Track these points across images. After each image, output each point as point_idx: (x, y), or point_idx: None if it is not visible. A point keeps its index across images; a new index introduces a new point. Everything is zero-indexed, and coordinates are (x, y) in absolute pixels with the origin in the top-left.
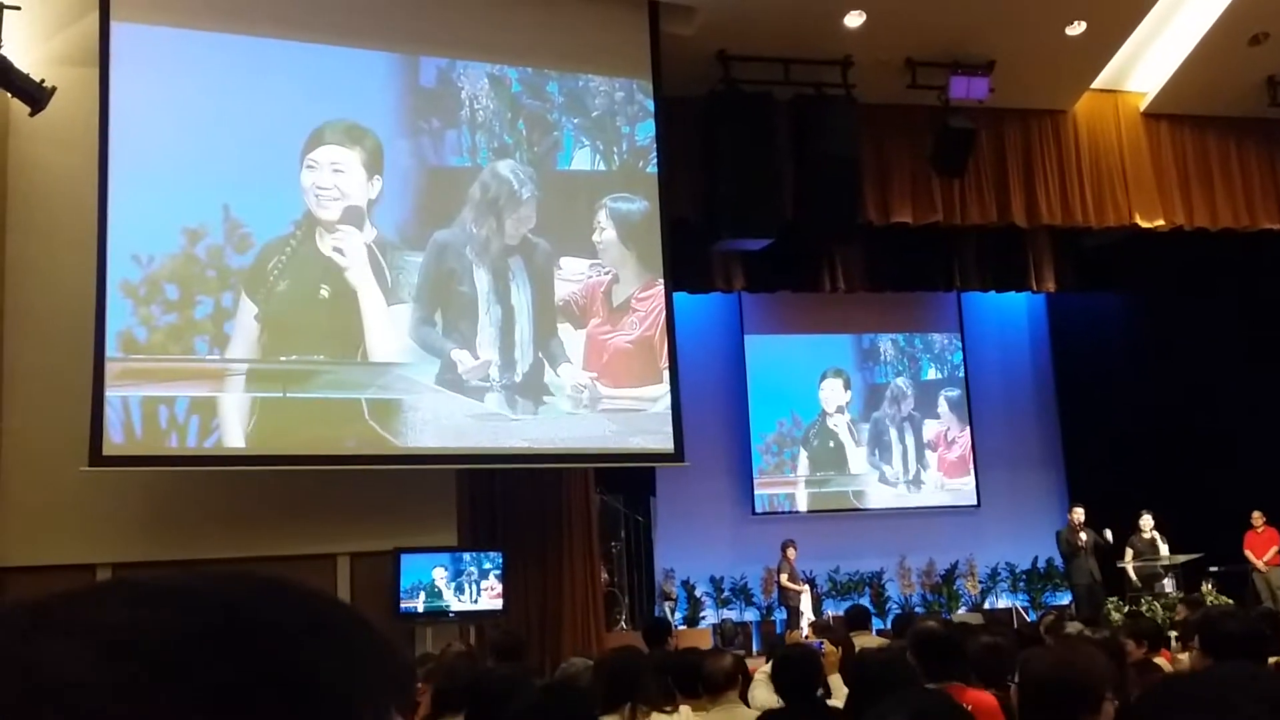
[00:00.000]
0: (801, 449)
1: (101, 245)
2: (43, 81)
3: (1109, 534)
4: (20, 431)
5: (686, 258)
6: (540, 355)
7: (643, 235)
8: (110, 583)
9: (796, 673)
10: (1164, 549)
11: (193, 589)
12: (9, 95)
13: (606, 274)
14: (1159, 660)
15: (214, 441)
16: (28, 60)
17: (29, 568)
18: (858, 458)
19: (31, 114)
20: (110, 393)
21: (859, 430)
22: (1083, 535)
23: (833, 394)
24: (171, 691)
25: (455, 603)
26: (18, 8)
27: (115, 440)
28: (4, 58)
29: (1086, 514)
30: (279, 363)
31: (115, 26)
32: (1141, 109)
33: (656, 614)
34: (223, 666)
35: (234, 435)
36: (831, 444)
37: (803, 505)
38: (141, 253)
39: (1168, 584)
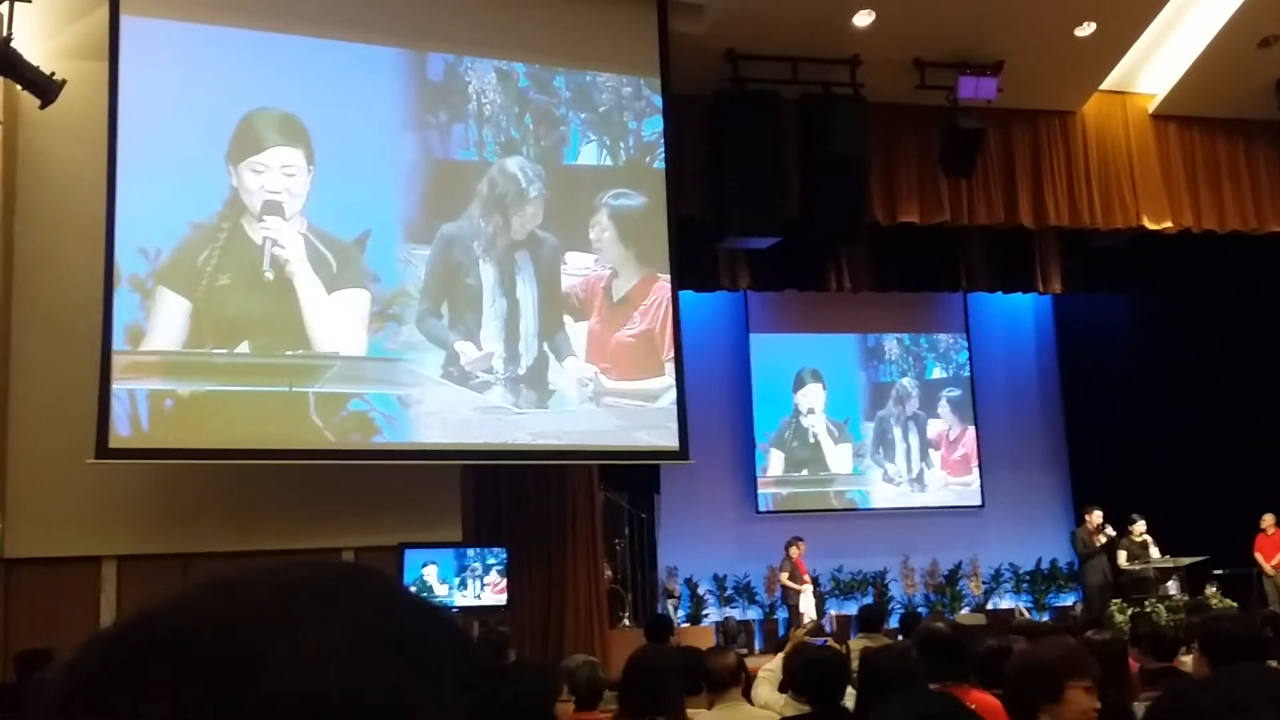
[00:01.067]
0: (774, 449)
1: (109, 238)
2: (53, 74)
3: (1110, 530)
4: (28, 424)
5: (692, 256)
6: (545, 349)
7: (642, 231)
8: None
9: (823, 676)
10: (1155, 552)
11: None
12: (19, 88)
13: (607, 269)
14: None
15: (219, 435)
16: (38, 53)
17: (36, 559)
18: (838, 457)
19: (41, 107)
20: (117, 385)
21: (861, 429)
22: (1101, 538)
23: (811, 394)
24: (466, 692)
25: (458, 597)
26: (29, 0)
27: (122, 433)
28: (14, 51)
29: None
30: (286, 357)
31: (125, 20)
32: (1150, 110)
33: (660, 611)
34: (486, 673)
35: (239, 429)
36: (812, 442)
37: (786, 505)
38: (149, 246)
39: (1172, 586)
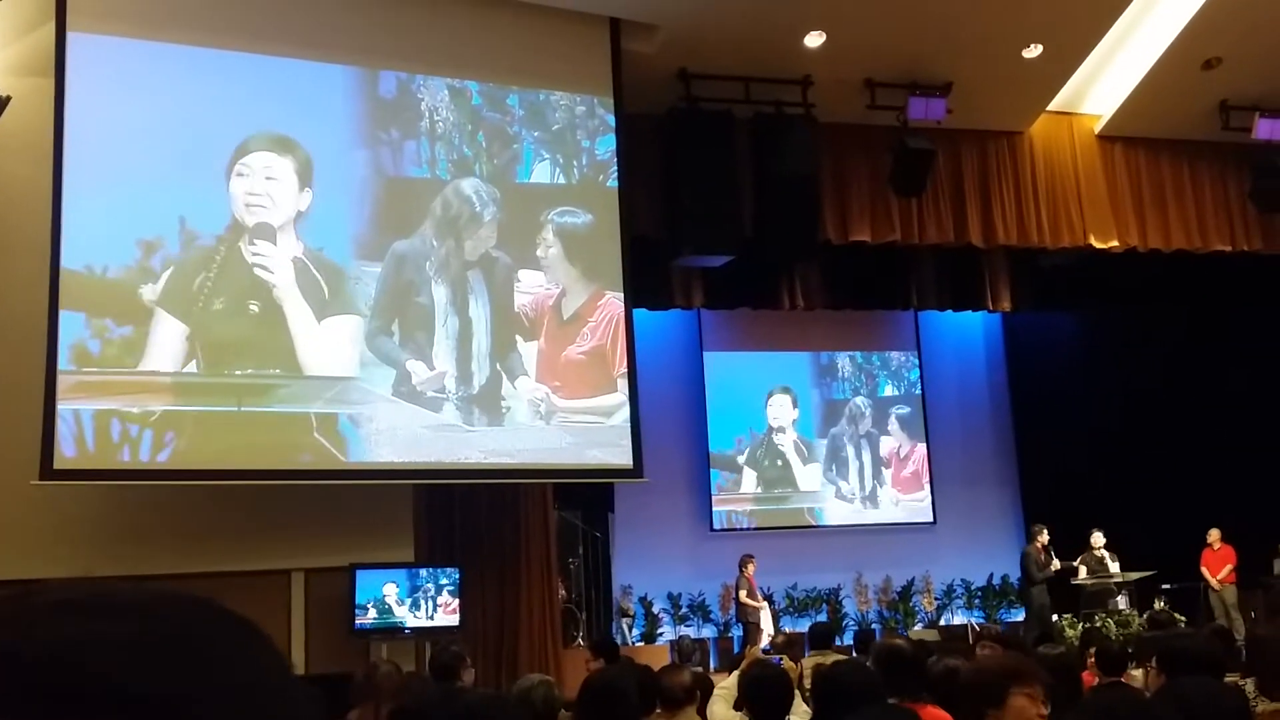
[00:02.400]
0: (748, 467)
1: (55, 256)
2: None
3: (1057, 563)
4: None
5: (646, 274)
6: (498, 367)
7: (589, 248)
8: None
9: (769, 693)
10: (1114, 566)
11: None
12: None
13: (556, 287)
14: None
15: (167, 456)
16: None
17: None
18: (806, 475)
19: None
20: (62, 406)
21: (815, 447)
22: (1056, 564)
23: (781, 411)
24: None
25: (410, 618)
26: None
27: (67, 454)
28: None
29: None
30: (234, 376)
31: (71, 36)
32: (1096, 131)
33: (614, 630)
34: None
35: (187, 449)
36: (780, 462)
37: (753, 523)
38: (95, 264)
39: (1121, 601)
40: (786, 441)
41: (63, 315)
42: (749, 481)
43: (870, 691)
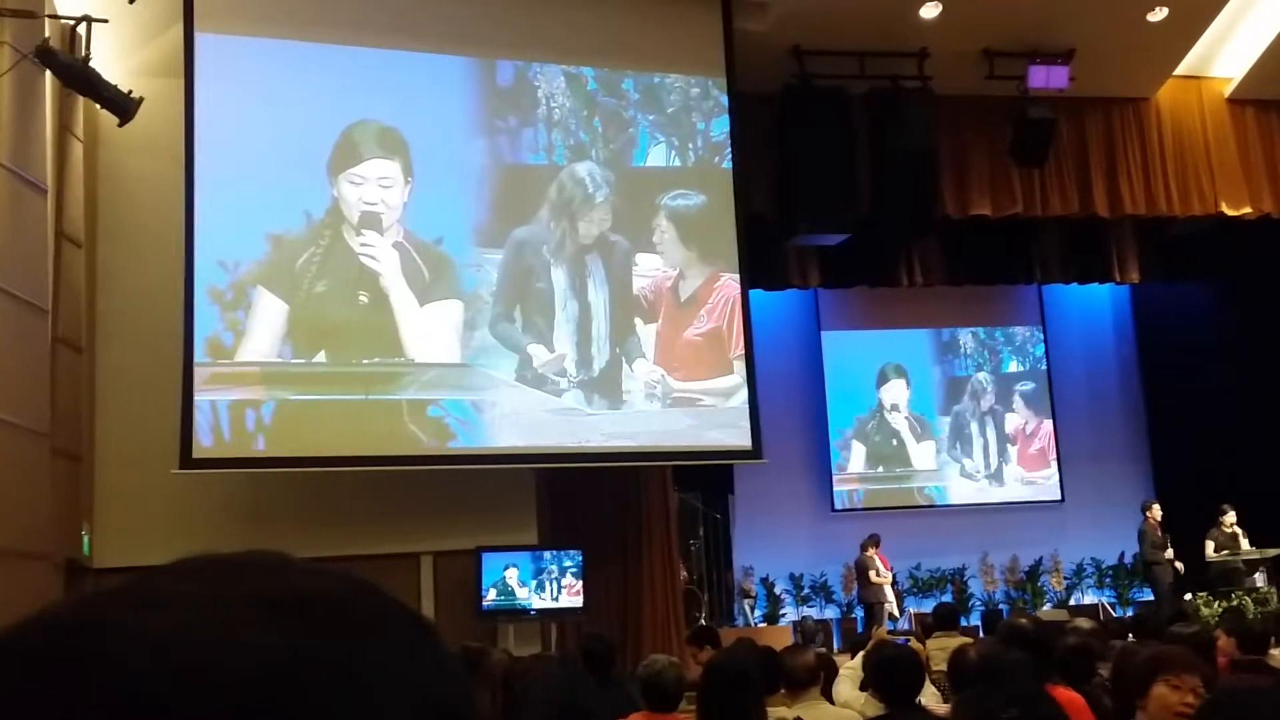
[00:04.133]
0: (856, 442)
1: (189, 252)
2: (130, 92)
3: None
4: (113, 435)
5: (762, 254)
6: (617, 350)
7: (703, 230)
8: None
9: (899, 675)
10: (1245, 543)
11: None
12: (98, 106)
13: (673, 270)
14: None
15: (300, 444)
16: (115, 72)
17: (121, 569)
18: (920, 454)
19: (120, 124)
20: (199, 397)
21: (936, 424)
22: (1169, 551)
23: (893, 389)
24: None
25: (536, 600)
26: (105, 21)
27: (204, 443)
28: (93, 70)
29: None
30: (361, 366)
31: (199, 37)
32: (1226, 95)
33: (735, 611)
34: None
35: (318, 437)
36: (895, 441)
37: (863, 501)
38: (228, 259)
39: (1259, 578)
40: (899, 419)
41: (197, 308)
42: (857, 460)
43: (1008, 673)
